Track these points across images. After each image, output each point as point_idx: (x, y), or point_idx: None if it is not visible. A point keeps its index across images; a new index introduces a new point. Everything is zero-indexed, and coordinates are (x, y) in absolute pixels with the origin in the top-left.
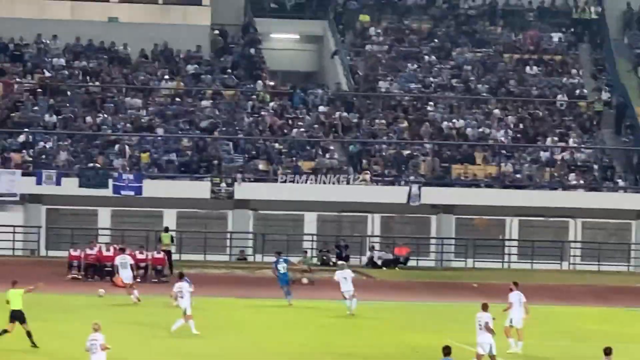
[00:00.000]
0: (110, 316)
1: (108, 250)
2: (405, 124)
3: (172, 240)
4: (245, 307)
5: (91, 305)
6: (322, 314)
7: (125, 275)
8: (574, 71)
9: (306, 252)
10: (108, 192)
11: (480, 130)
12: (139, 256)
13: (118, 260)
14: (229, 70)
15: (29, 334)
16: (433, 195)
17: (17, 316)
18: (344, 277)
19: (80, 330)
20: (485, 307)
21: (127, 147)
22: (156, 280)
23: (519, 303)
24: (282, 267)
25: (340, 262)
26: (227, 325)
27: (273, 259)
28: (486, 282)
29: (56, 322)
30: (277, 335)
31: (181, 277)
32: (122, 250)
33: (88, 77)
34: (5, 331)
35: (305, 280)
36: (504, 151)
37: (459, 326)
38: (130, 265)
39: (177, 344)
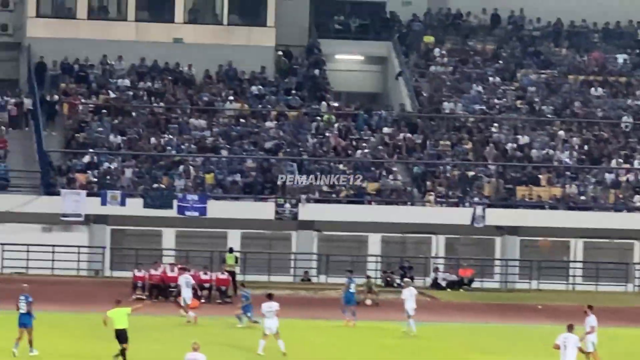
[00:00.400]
0: (180, 336)
1: (172, 270)
2: (470, 145)
3: (236, 261)
4: (309, 329)
5: (156, 327)
6: (386, 334)
7: (187, 295)
8: (638, 92)
9: (369, 276)
10: (172, 212)
11: (545, 151)
12: (203, 277)
13: (182, 279)
14: (294, 91)
15: (122, 352)
16: (497, 216)
17: (120, 334)
18: (410, 295)
19: (143, 349)
20: (570, 328)
21: (191, 167)
22: (220, 301)
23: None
24: (352, 286)
25: (406, 279)
26: (290, 347)
27: (342, 279)
28: (551, 303)
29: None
30: (340, 356)
31: (270, 297)
32: (185, 270)
33: (153, 98)
34: (122, 350)
35: (368, 302)
36: (568, 173)
37: (524, 348)
38: (192, 285)
39: None
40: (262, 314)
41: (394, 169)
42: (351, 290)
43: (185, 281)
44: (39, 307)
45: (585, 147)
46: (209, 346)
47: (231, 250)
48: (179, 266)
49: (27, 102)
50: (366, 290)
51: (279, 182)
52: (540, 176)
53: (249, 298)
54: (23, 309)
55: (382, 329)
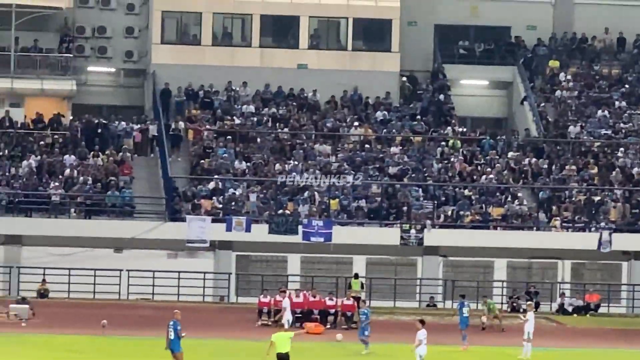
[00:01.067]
0: None
1: (298, 296)
2: (595, 169)
3: (362, 287)
4: (434, 354)
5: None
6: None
7: (289, 317)
8: None
9: (486, 296)
10: (297, 238)
11: None
12: (329, 302)
13: (285, 302)
14: (418, 117)
15: None
16: (624, 241)
17: (283, 358)
18: (531, 318)
19: None
20: None
21: (316, 193)
22: (346, 327)
23: None
24: (465, 310)
25: (528, 303)
26: None
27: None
28: None
29: None
30: None
31: (423, 323)
32: (284, 292)
33: (277, 124)
34: None
35: (484, 319)
36: None
37: None
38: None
39: None
40: (418, 341)
41: (520, 194)
42: (464, 314)
43: (288, 304)
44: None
45: None
46: None
47: (357, 276)
48: (281, 289)
49: (152, 129)
50: (486, 312)
51: (404, 208)
52: None
53: (368, 317)
54: (172, 335)
55: (506, 354)
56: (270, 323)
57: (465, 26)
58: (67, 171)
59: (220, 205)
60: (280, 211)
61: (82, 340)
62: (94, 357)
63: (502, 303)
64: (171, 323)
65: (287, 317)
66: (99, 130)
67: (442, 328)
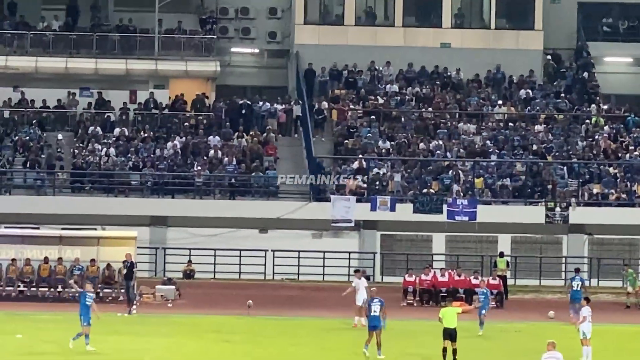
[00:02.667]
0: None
1: (443, 275)
2: None
3: (507, 266)
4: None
5: (428, 332)
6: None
7: (362, 296)
8: None
9: (627, 265)
10: (442, 217)
11: None
12: (474, 281)
13: (357, 282)
14: (562, 95)
15: (454, 352)
16: None
17: (450, 334)
18: None
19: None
20: None
21: (460, 172)
22: (493, 305)
23: None
24: (575, 284)
25: None
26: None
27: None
28: None
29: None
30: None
31: (588, 301)
32: (359, 273)
33: (421, 103)
34: (444, 349)
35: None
36: None
37: None
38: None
39: None
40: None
41: None
42: (574, 289)
43: (363, 285)
44: (310, 313)
45: None
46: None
47: (502, 255)
48: (355, 269)
49: (296, 109)
50: (627, 285)
51: (548, 186)
52: None
53: (487, 297)
54: (376, 311)
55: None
56: (415, 303)
57: (609, 3)
58: (212, 152)
59: (365, 185)
60: (425, 190)
61: (228, 320)
62: (240, 337)
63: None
64: (376, 300)
65: (362, 296)
66: (243, 111)
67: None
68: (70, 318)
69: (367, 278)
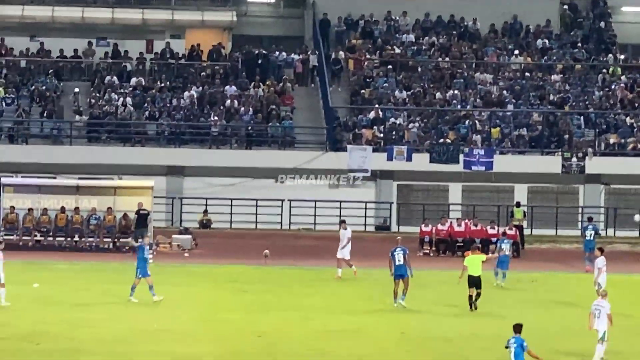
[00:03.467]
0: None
1: (459, 225)
2: None
3: (524, 215)
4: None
5: (444, 282)
6: None
7: (346, 250)
8: None
9: None
10: (459, 167)
11: None
12: (490, 231)
13: (343, 233)
14: (579, 44)
15: (478, 295)
16: None
17: (475, 282)
18: None
19: (431, 304)
20: None
21: (477, 122)
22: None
23: None
24: (588, 233)
25: None
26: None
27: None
28: None
29: (417, 297)
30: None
31: (602, 251)
32: (344, 223)
33: (437, 53)
34: (470, 297)
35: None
36: None
37: None
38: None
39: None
40: (598, 270)
41: None
42: (588, 238)
43: (346, 235)
44: (326, 263)
45: None
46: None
47: (518, 205)
48: (341, 219)
49: (313, 59)
50: None
51: (565, 136)
52: None
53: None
54: (400, 260)
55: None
56: (431, 253)
57: None
58: (228, 102)
59: (381, 135)
60: (441, 140)
61: (245, 270)
62: (257, 287)
63: None
64: (399, 248)
65: (346, 248)
66: (260, 61)
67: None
68: (87, 268)
69: (387, 228)
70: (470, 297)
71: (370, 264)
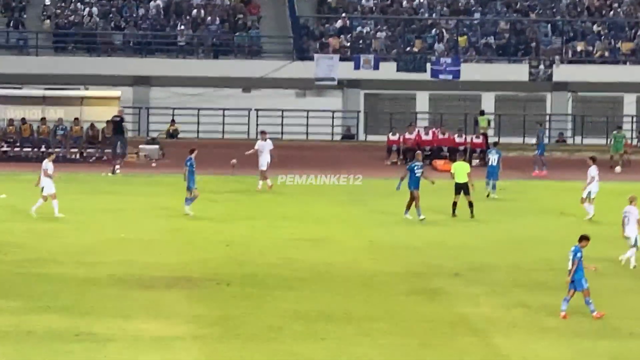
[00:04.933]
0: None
1: (427, 134)
2: None
3: (488, 124)
4: (562, 191)
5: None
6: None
7: (264, 161)
8: None
9: (620, 127)
10: (426, 76)
11: None
12: (458, 139)
13: (260, 145)
14: None
15: (470, 205)
16: None
17: (462, 188)
18: None
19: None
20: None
21: (444, 31)
22: (478, 162)
23: None
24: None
25: None
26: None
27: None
28: None
29: (385, 206)
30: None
31: (594, 160)
32: (265, 134)
33: None
34: (454, 203)
35: (618, 169)
36: None
37: None
38: (270, 151)
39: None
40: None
41: None
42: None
43: (266, 147)
44: (294, 171)
45: None
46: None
47: (482, 113)
48: (261, 130)
49: None
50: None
51: (532, 44)
52: None
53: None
54: (419, 174)
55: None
56: (399, 162)
57: None
58: (195, 12)
59: (348, 44)
60: (408, 49)
61: (212, 180)
62: (225, 197)
63: (631, 138)
64: (419, 163)
65: (265, 159)
66: None
67: (571, 163)
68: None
69: (352, 137)
70: (455, 203)
71: (338, 172)
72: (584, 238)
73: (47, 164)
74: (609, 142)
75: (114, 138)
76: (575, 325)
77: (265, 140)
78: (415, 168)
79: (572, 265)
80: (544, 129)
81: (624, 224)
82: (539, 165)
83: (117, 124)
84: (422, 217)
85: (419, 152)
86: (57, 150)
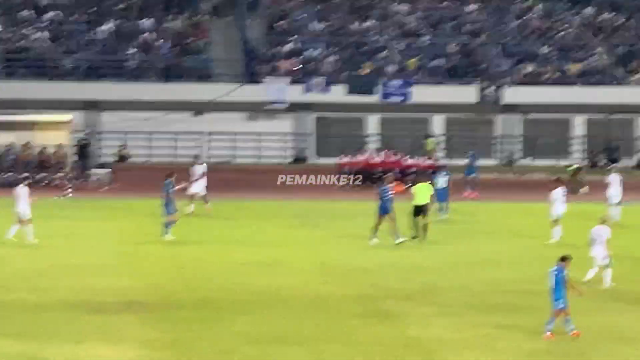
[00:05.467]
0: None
1: (377, 156)
2: None
3: (436, 146)
4: (512, 213)
5: (363, 212)
6: (587, 217)
7: (200, 186)
8: None
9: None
10: (376, 98)
11: None
12: (407, 162)
13: (196, 169)
14: None
15: (424, 226)
16: None
17: (422, 210)
18: (613, 180)
19: (348, 236)
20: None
21: (394, 53)
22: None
23: None
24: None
25: (612, 165)
26: (499, 230)
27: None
28: None
29: (337, 228)
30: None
31: (559, 182)
32: (197, 160)
33: None
34: (416, 224)
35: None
36: None
37: None
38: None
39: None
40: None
41: (598, 50)
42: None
43: (202, 170)
44: (245, 195)
45: None
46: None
47: (428, 136)
48: (195, 155)
49: None
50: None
51: (482, 66)
52: None
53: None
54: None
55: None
56: (349, 184)
57: None
58: (145, 35)
59: (299, 67)
60: (359, 71)
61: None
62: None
63: (583, 159)
64: (387, 187)
65: (201, 184)
66: None
67: (520, 185)
68: (4, 203)
69: (303, 160)
70: (416, 224)
71: (287, 197)
72: (566, 258)
73: (23, 189)
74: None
75: (80, 162)
76: (526, 346)
77: (201, 163)
78: (384, 192)
79: (557, 282)
80: (474, 152)
81: (591, 244)
82: (470, 186)
83: (82, 148)
84: (399, 239)
85: (389, 174)
86: (8, 174)
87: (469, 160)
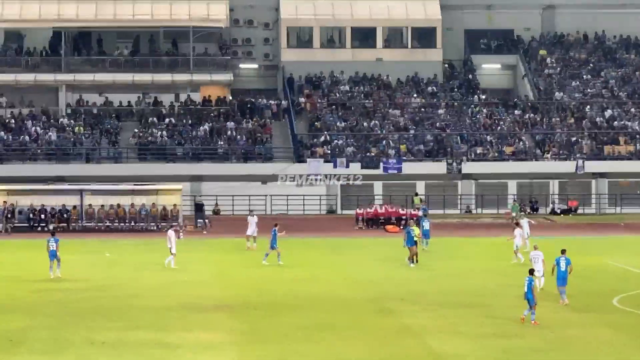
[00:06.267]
0: (389, 252)
1: (381, 208)
2: (572, 120)
3: (420, 201)
4: (470, 244)
5: (373, 244)
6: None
7: (251, 230)
8: None
9: (515, 200)
10: (380, 171)
11: (622, 122)
12: (401, 211)
13: (250, 219)
14: (455, 90)
15: (416, 255)
16: (592, 166)
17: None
18: (525, 223)
19: (362, 259)
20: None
21: (390, 142)
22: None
23: None
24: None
25: (520, 213)
26: (455, 255)
27: (493, 211)
28: (630, 222)
29: (354, 255)
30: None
31: (518, 225)
32: (252, 212)
33: (364, 96)
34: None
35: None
36: (638, 136)
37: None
38: (256, 223)
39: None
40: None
41: (523, 137)
42: (424, 213)
43: (255, 220)
44: (295, 235)
45: None
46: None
47: (416, 194)
48: (250, 210)
49: (284, 103)
50: (512, 211)
51: (448, 149)
52: (620, 138)
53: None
54: (414, 234)
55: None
56: (363, 227)
57: (484, 30)
58: (229, 132)
59: (329, 151)
60: (368, 153)
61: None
62: (253, 254)
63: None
64: (411, 228)
65: (252, 229)
66: (249, 105)
67: (475, 226)
68: (139, 242)
69: (333, 212)
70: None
71: (322, 235)
72: (533, 271)
73: (171, 232)
74: (511, 208)
75: (197, 214)
76: (481, 330)
77: (253, 216)
78: (410, 231)
79: (529, 288)
80: (426, 206)
81: (533, 263)
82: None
83: (199, 206)
84: (412, 264)
85: (412, 220)
86: (141, 224)
87: (422, 211)
